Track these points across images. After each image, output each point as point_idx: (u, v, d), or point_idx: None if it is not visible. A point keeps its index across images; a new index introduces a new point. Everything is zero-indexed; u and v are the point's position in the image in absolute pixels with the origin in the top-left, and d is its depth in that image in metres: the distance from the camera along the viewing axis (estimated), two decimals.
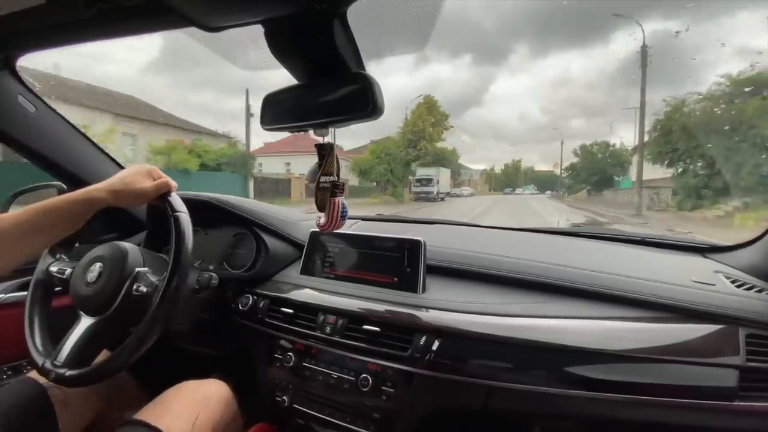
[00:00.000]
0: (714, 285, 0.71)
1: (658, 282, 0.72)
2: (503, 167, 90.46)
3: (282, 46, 0.56)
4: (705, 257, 0.92)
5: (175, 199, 0.70)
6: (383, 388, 0.71)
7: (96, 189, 0.65)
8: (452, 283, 0.82)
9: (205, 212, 0.98)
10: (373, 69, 0.58)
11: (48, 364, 0.68)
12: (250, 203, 1.05)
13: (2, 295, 0.96)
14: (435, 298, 0.76)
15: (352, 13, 0.52)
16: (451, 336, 0.68)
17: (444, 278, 0.83)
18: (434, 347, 0.67)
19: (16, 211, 0.61)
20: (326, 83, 0.58)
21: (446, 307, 0.72)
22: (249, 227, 0.99)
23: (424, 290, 0.78)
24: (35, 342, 0.73)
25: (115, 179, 0.67)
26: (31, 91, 0.89)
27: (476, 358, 0.66)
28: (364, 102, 0.54)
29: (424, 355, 0.67)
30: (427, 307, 0.73)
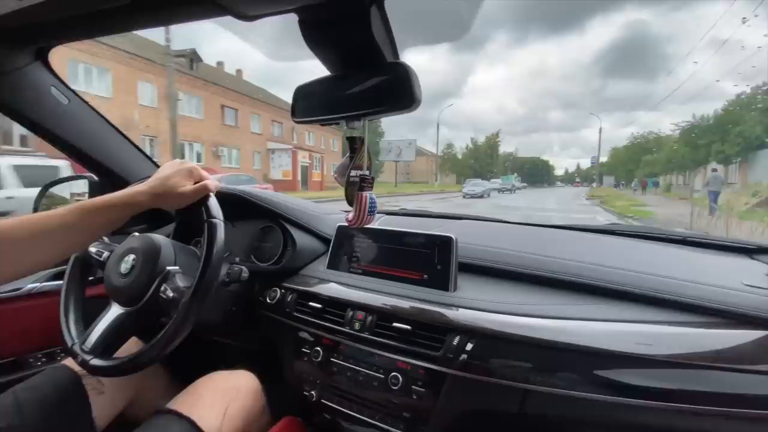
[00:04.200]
0: None
1: (706, 285, 0.67)
2: (468, 147, 61.46)
3: (316, 36, 0.54)
4: (753, 258, 0.86)
5: (213, 204, 0.69)
6: (414, 387, 0.69)
7: (139, 192, 0.65)
8: (483, 281, 0.79)
9: (233, 205, 0.98)
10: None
11: (76, 347, 0.70)
12: (278, 196, 1.04)
13: (38, 284, 0.98)
14: (467, 297, 0.73)
15: (390, 0, 0.50)
16: (485, 337, 0.65)
17: (475, 276, 0.81)
18: (468, 348, 0.65)
19: (58, 210, 0.61)
20: (360, 74, 0.56)
21: (480, 306, 0.69)
22: (276, 220, 0.99)
23: (455, 288, 0.76)
24: (68, 321, 0.75)
25: (158, 181, 0.66)
26: (63, 82, 0.90)
27: (512, 361, 0.64)
28: (401, 93, 0.52)
29: (458, 356, 0.65)
30: (460, 306, 0.71)
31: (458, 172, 56.08)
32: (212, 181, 0.70)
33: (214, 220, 0.68)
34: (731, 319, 0.62)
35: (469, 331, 0.66)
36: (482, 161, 58.42)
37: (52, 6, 0.56)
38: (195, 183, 0.69)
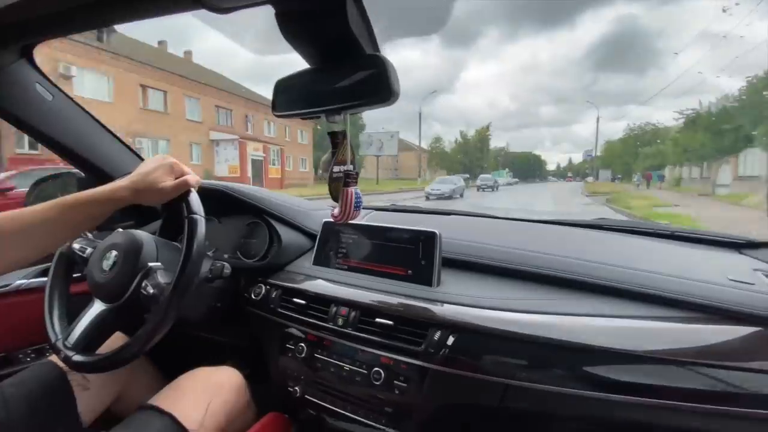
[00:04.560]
0: (753, 284, 0.66)
1: (690, 280, 0.67)
2: (457, 140, 57.56)
3: (293, 28, 0.53)
4: (741, 253, 0.86)
5: (193, 200, 0.69)
6: (396, 382, 0.69)
7: (120, 188, 0.65)
8: (468, 276, 0.79)
9: (218, 201, 0.98)
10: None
11: (59, 343, 0.70)
12: (263, 192, 1.04)
13: (26, 281, 0.98)
14: (450, 292, 0.73)
15: None
16: (466, 332, 0.65)
17: (460, 271, 0.81)
18: (449, 342, 0.65)
19: (41, 206, 0.61)
20: (339, 67, 0.55)
21: (462, 301, 0.69)
22: (261, 216, 0.98)
23: (439, 284, 0.76)
24: (52, 318, 0.75)
25: (138, 177, 0.66)
26: (47, 79, 0.89)
27: (493, 356, 0.64)
28: (379, 86, 0.52)
29: (439, 351, 0.65)
30: (442, 302, 0.71)
31: (448, 167, 52.09)
32: (193, 177, 0.70)
33: (194, 216, 0.67)
34: (714, 314, 0.62)
35: (451, 326, 0.66)
36: (472, 156, 55.60)
37: (32, 3, 0.56)
38: (176, 178, 0.68)
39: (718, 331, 0.61)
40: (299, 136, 28.82)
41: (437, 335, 0.66)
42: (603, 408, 0.59)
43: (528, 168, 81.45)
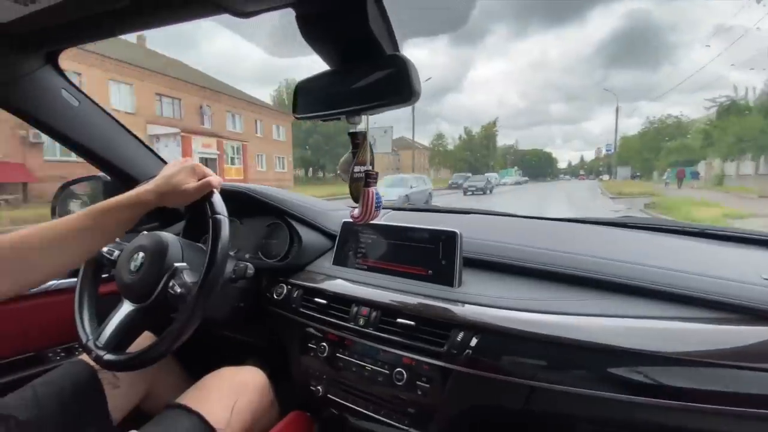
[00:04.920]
0: None
1: (722, 279, 0.65)
2: (461, 137, 54.13)
3: (313, 30, 0.54)
4: None
5: (217, 201, 0.70)
6: (418, 383, 0.69)
7: (145, 191, 0.66)
8: (489, 276, 0.78)
9: (240, 202, 1.00)
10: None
11: (90, 343, 0.72)
12: (283, 194, 1.05)
13: (55, 281, 1.01)
14: (472, 292, 0.72)
15: None
16: (490, 333, 0.64)
17: (480, 271, 0.80)
18: (472, 344, 0.64)
19: (74, 215, 0.63)
20: (360, 68, 0.55)
21: (485, 302, 0.68)
22: (282, 217, 0.99)
23: (460, 284, 0.75)
24: (82, 319, 0.78)
25: (162, 180, 0.67)
26: (73, 84, 0.92)
27: (517, 357, 0.63)
28: (400, 86, 0.52)
29: (462, 352, 0.65)
30: (464, 302, 0.70)
31: (451, 165, 50.13)
32: (216, 178, 0.71)
33: (218, 216, 0.68)
34: (747, 314, 0.60)
35: (474, 327, 0.65)
36: (477, 153, 52.56)
37: (56, 10, 0.58)
38: (198, 180, 0.70)
39: (752, 332, 0.58)
40: (275, 131, 24.83)
41: (460, 336, 0.66)
42: (630, 411, 0.58)
43: (539, 166, 78.63)
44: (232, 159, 19.36)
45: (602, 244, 0.87)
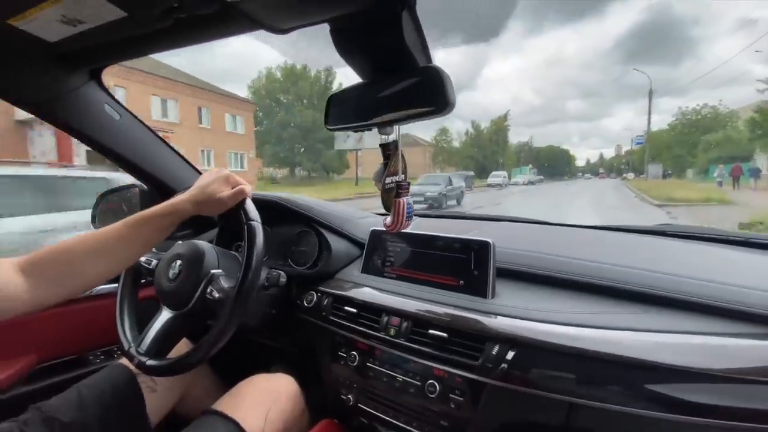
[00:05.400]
0: None
1: None
2: (468, 132, 48.73)
3: (348, 44, 0.54)
4: None
5: (250, 207, 0.72)
6: (451, 395, 0.68)
7: (181, 201, 0.69)
8: (523, 287, 0.76)
9: (270, 210, 1.01)
10: None
11: (132, 350, 0.75)
12: (312, 202, 1.06)
13: (97, 287, 1.06)
14: (507, 304, 0.71)
15: (422, 3, 0.49)
16: (526, 346, 0.63)
17: (513, 282, 0.78)
18: (508, 357, 0.63)
19: (115, 225, 0.66)
20: (392, 79, 0.55)
21: (520, 315, 0.67)
22: (311, 225, 1.01)
23: (494, 295, 0.74)
24: (124, 327, 0.81)
25: (198, 190, 0.70)
26: (115, 99, 0.96)
27: (555, 372, 0.61)
28: (434, 97, 0.51)
29: (497, 366, 0.63)
30: (499, 314, 0.68)
31: (457, 163, 45.83)
32: (248, 186, 0.73)
33: (252, 222, 0.70)
34: None
35: (510, 340, 0.64)
36: (486, 150, 47.60)
37: (103, 30, 0.60)
38: (232, 188, 0.72)
39: None
40: (228, 122, 19.62)
41: (495, 349, 0.64)
42: (674, 430, 0.55)
43: (555, 164, 74.70)
44: None
45: (641, 254, 0.83)
